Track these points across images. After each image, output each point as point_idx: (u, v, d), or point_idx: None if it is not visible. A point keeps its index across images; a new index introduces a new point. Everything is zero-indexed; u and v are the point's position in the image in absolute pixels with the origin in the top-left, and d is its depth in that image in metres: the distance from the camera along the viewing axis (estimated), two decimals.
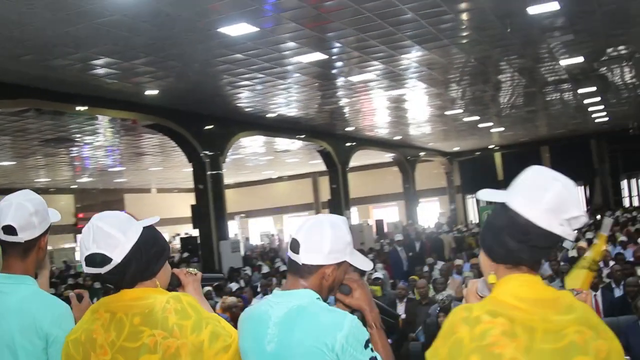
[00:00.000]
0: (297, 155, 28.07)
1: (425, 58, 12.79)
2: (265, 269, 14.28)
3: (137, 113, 13.97)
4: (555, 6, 10.12)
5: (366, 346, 1.85)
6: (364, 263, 2.11)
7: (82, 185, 29.48)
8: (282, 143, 23.48)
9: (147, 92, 12.96)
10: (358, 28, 10.30)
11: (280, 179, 37.18)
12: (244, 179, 35.11)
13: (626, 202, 31.53)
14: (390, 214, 34.74)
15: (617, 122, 27.57)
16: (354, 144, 24.06)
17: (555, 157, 32.63)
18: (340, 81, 14.41)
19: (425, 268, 11.98)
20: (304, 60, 12.01)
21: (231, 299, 8.27)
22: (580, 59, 14.31)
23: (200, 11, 8.76)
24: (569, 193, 1.68)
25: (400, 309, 8.89)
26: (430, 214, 34.04)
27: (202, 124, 15.86)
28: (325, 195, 36.24)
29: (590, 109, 22.41)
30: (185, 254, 15.95)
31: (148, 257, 2.00)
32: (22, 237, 2.24)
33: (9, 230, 2.22)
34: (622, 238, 14.05)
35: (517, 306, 1.61)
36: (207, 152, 15.75)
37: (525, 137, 30.69)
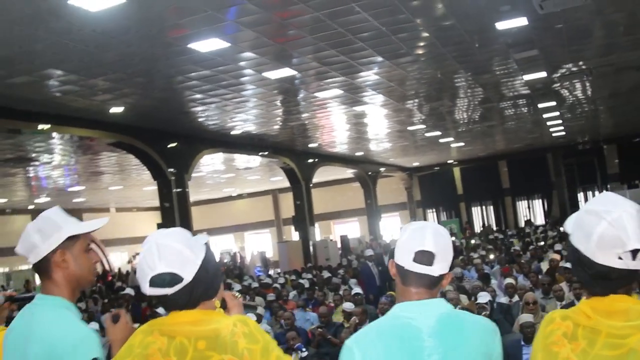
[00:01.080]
0: (257, 173, 27.93)
1: (386, 74, 12.78)
2: (237, 287, 14.05)
3: (101, 131, 13.67)
4: (523, 21, 10.25)
5: None
6: None
7: (40, 205, 28.71)
8: (241, 160, 23.30)
9: (112, 110, 12.70)
10: (321, 46, 10.29)
11: (240, 196, 36.90)
12: (204, 196, 34.74)
13: None
14: (351, 229, 34.80)
15: (572, 136, 28.14)
16: (317, 160, 24.03)
17: (513, 171, 33.18)
18: (303, 98, 14.37)
19: None
20: (267, 77, 11.92)
21: None
22: (543, 74, 14.53)
23: (168, 26, 8.61)
24: (617, 228, 1.67)
25: None
26: (391, 228, 34.15)
27: (167, 141, 15.62)
28: (286, 212, 36.19)
29: (549, 123, 22.79)
30: None
31: (211, 274, 1.89)
32: (31, 260, 2.17)
33: (22, 256, 2.19)
34: None
35: (588, 314, 1.70)
36: (172, 169, 15.50)
37: (483, 152, 31.07)
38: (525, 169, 32.48)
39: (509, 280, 9.19)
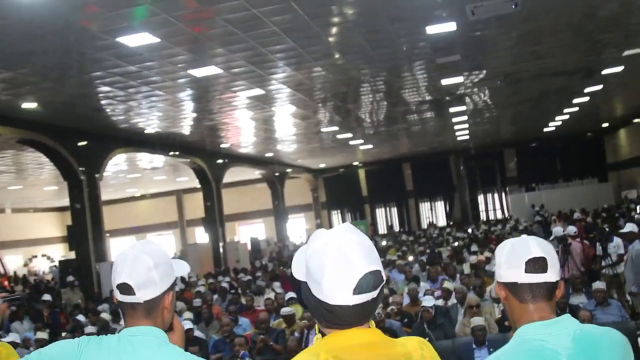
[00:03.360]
0: (163, 173, 27.26)
1: (296, 76, 12.66)
2: None
3: (10, 127, 12.88)
4: (452, 27, 10.41)
5: None
6: None
7: None
8: (146, 160, 22.61)
9: (25, 105, 11.99)
10: (232, 48, 10.10)
11: (143, 196, 35.86)
12: (105, 197, 33.50)
13: (483, 216, 33.24)
14: (257, 231, 34.58)
15: (475, 140, 29.02)
16: (227, 160, 23.67)
17: (417, 174, 33.93)
18: (216, 98, 14.08)
19: None
20: (182, 77, 11.64)
21: None
22: (459, 79, 14.86)
23: (87, 17, 8.18)
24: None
25: None
26: (297, 230, 34.16)
27: (79, 139, 14.92)
28: (191, 213, 35.57)
29: (456, 127, 23.39)
30: (70, 278, 14.78)
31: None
32: (141, 296, 1.87)
33: (126, 289, 1.88)
34: None
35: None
36: (83, 169, 14.81)
37: (389, 154, 31.55)
38: (429, 171, 33.31)
39: (448, 284, 9.29)
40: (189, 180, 30.60)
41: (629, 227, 9.51)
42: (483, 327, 6.43)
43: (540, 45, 12.69)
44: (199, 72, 11.37)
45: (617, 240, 10.09)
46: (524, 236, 1.90)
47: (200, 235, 33.98)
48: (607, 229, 12.50)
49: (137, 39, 9.12)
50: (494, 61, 13.57)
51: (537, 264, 1.80)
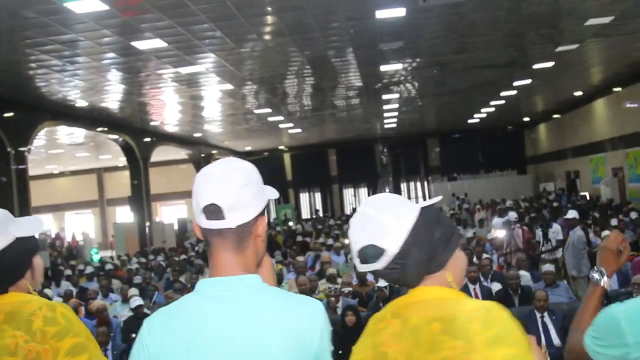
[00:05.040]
0: (85, 150, 26.47)
1: (227, 56, 12.49)
2: (90, 269, 13.19)
3: None
4: (402, 12, 10.50)
5: None
6: None
7: None
8: (68, 136, 21.86)
9: None
10: (162, 24, 9.86)
11: (62, 174, 34.71)
12: None
13: None
14: (179, 212, 34.14)
15: (401, 129, 29.48)
16: (155, 139, 23.18)
17: (342, 160, 34.22)
18: (148, 74, 13.77)
19: None
20: (115, 51, 11.34)
21: (99, 302, 7.50)
22: (398, 66, 15.03)
23: None
24: None
25: None
26: None
27: (6, 110, 14.27)
28: (111, 192, 34.74)
29: (386, 114, 23.67)
30: None
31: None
32: (232, 220, 1.58)
33: (214, 211, 1.58)
34: None
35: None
36: (10, 141, 14.19)
37: (314, 139, 31.65)
38: (354, 158, 33.65)
39: None
40: (112, 158, 29.88)
41: (572, 214, 9.91)
42: None
43: (480, 37, 12.98)
44: (141, 45, 11.06)
45: (556, 227, 10.50)
46: None
47: (121, 215, 33.26)
48: (547, 216, 12.98)
49: (85, 5, 8.79)
50: (433, 49, 13.76)
51: None
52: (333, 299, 7.69)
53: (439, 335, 1.52)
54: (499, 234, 10.84)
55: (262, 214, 1.68)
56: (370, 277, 9.03)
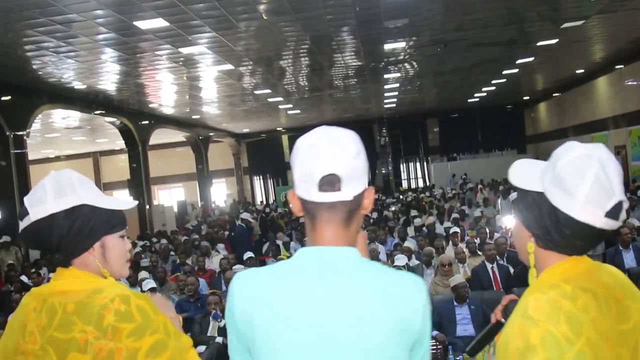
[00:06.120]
0: (82, 133, 26.21)
1: (225, 35, 12.17)
2: None
3: None
4: None
5: None
6: None
7: None
8: (64, 119, 21.57)
9: None
10: (170, 1, 9.59)
11: (58, 158, 34.42)
12: None
13: (404, 184, 33.75)
14: (177, 195, 34.00)
15: (400, 108, 29.26)
16: (153, 121, 22.95)
17: None
18: (147, 56, 13.50)
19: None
20: (115, 31, 11.07)
21: None
22: (402, 44, 14.82)
23: None
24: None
25: None
26: (218, 195, 33.75)
27: (3, 93, 14.04)
28: (107, 176, 34.54)
29: (387, 94, 23.47)
30: (7, 238, 13.84)
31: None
32: (348, 192, 1.46)
33: (330, 182, 1.45)
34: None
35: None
36: (9, 125, 13.97)
37: (313, 120, 31.39)
38: None
39: (410, 244, 9.31)
40: (108, 142, 29.63)
41: None
42: (466, 285, 6.45)
43: (485, 13, 12.76)
44: (143, 25, 10.82)
45: None
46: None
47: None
48: None
49: None
50: (438, 27, 13.56)
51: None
52: None
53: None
54: (509, 222, 10.67)
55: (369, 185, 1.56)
56: (382, 257, 8.95)
